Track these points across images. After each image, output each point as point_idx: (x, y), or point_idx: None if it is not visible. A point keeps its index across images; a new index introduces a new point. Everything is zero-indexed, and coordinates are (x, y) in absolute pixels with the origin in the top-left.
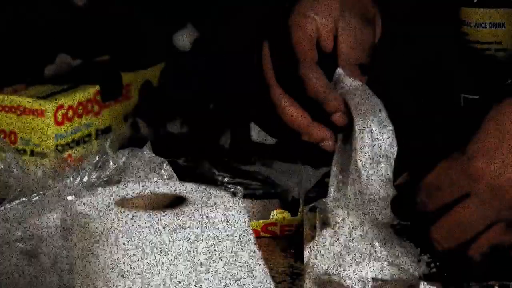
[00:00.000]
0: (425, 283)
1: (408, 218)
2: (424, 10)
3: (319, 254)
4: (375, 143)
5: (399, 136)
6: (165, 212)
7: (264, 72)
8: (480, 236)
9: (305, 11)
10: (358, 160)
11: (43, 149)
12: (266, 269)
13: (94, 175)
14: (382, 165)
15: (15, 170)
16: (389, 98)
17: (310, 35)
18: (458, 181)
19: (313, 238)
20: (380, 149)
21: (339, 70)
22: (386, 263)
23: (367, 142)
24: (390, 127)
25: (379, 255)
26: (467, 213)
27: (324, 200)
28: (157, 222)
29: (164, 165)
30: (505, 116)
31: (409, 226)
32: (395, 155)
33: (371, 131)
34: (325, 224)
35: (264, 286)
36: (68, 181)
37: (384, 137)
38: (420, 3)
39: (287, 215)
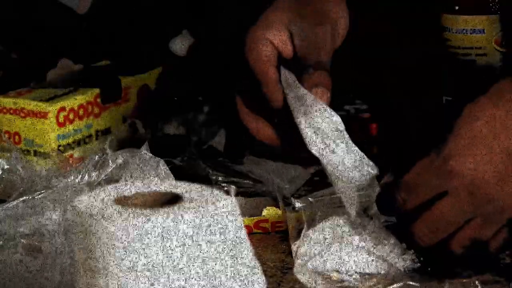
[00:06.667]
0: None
1: (392, 215)
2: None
3: (307, 250)
4: (316, 124)
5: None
6: (163, 210)
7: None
8: (460, 231)
9: (256, 34)
10: (311, 148)
11: (46, 149)
12: (258, 264)
13: (94, 174)
14: (332, 140)
15: (19, 169)
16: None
17: (266, 55)
18: (435, 180)
19: (299, 234)
20: (324, 127)
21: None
22: (372, 257)
23: (311, 130)
24: (323, 104)
25: (365, 249)
26: (445, 210)
27: (309, 198)
28: (156, 219)
29: (161, 164)
30: (477, 116)
31: (394, 222)
32: (342, 127)
33: (306, 114)
34: (312, 220)
35: (255, 280)
36: (69, 180)
37: (320, 115)
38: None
39: (278, 212)
